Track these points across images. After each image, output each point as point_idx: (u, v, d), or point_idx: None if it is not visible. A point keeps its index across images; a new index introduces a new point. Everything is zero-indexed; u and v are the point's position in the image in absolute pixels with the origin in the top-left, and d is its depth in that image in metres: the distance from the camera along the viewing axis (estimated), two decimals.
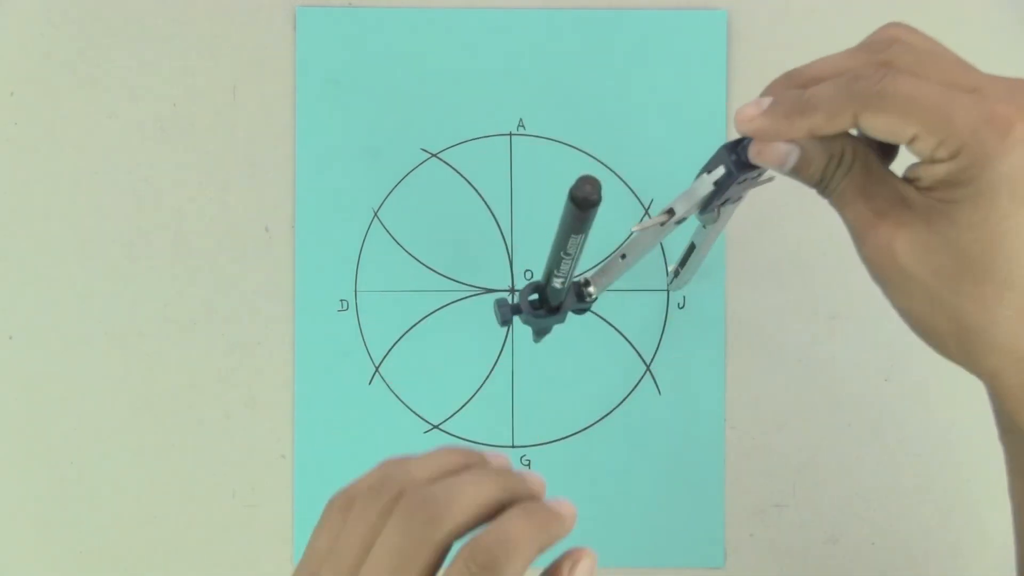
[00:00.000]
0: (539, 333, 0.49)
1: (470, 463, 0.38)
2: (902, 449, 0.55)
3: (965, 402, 0.55)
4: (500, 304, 0.46)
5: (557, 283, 0.44)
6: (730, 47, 0.55)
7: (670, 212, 0.42)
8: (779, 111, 0.37)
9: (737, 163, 0.40)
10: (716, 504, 0.54)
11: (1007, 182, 0.35)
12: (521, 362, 0.55)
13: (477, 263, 0.55)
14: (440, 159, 0.55)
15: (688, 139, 0.55)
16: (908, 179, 0.37)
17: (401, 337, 0.55)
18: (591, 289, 0.46)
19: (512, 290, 0.55)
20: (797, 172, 0.39)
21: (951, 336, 0.37)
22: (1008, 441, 0.41)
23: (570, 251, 0.41)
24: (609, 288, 0.55)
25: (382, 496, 0.37)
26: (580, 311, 0.47)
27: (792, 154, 0.38)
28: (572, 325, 0.54)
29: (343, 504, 0.39)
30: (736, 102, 0.55)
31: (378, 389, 0.55)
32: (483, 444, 0.55)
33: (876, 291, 0.55)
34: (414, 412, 0.55)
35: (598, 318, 0.55)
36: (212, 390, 0.55)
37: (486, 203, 0.55)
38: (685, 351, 0.55)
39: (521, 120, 0.55)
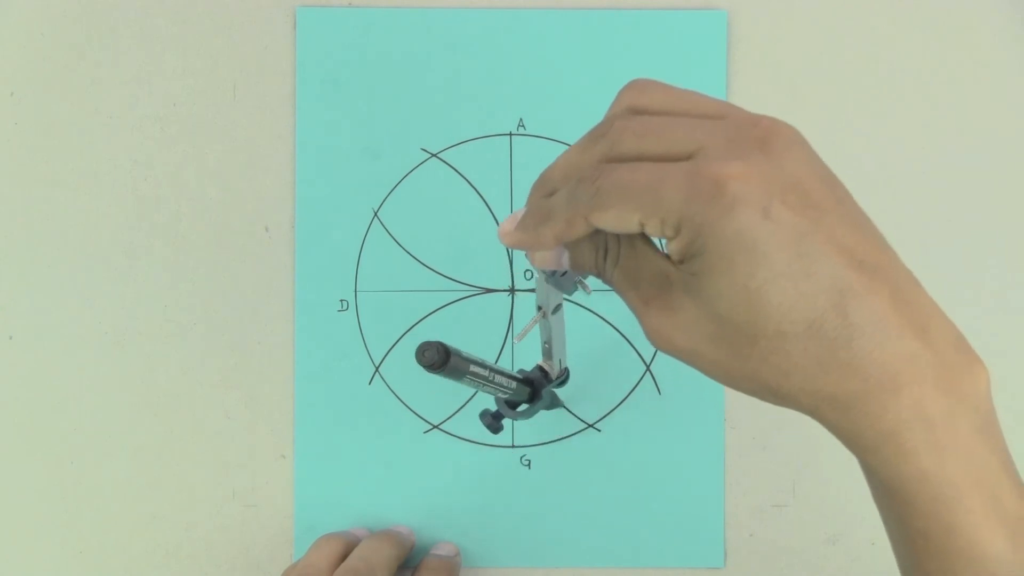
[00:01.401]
0: (545, 408, 0.51)
1: (348, 542, 0.52)
2: None
3: None
4: (482, 416, 0.48)
5: (504, 396, 0.47)
6: (730, 47, 0.55)
7: (539, 308, 0.45)
8: (528, 223, 0.38)
9: None
10: (716, 504, 0.54)
11: (735, 242, 0.34)
12: (521, 362, 0.55)
13: (477, 263, 0.55)
14: (440, 159, 0.55)
15: None
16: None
17: (401, 337, 0.55)
18: (549, 369, 0.49)
19: (512, 290, 0.55)
20: (575, 269, 0.39)
21: (756, 391, 0.37)
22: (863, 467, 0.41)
23: (482, 379, 0.44)
24: (609, 288, 0.56)
25: None
26: (559, 385, 0.50)
27: (563, 255, 0.39)
28: (572, 325, 0.54)
29: None
30: (736, 102, 0.55)
31: (378, 389, 0.55)
32: (483, 444, 0.55)
33: None
34: (414, 412, 0.55)
35: (598, 318, 0.55)
36: (212, 390, 0.55)
37: (486, 203, 0.55)
38: None
39: (521, 120, 0.55)
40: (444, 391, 0.55)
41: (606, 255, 0.38)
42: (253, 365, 0.55)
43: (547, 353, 0.48)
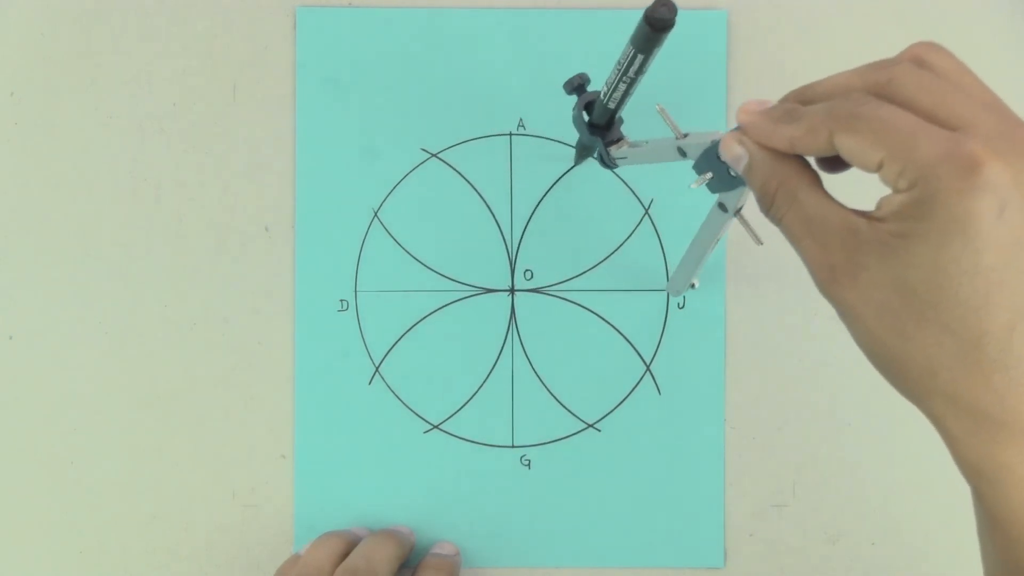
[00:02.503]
0: (578, 153, 0.51)
1: (351, 540, 0.52)
2: (902, 449, 0.55)
3: None
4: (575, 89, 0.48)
5: (610, 104, 0.46)
6: (730, 47, 0.55)
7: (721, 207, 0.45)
8: (771, 115, 0.38)
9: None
10: (716, 504, 0.54)
11: (961, 224, 0.34)
12: (521, 362, 0.55)
13: (477, 263, 0.55)
14: (440, 159, 0.55)
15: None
16: (862, 213, 0.37)
17: (401, 337, 0.55)
18: (621, 146, 0.48)
19: (512, 290, 0.55)
20: (746, 178, 0.40)
21: (895, 375, 0.37)
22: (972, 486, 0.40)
23: (630, 74, 0.43)
24: (609, 288, 0.56)
25: None
26: (607, 147, 0.48)
27: (743, 159, 0.39)
28: (572, 325, 0.55)
29: None
30: (736, 102, 0.55)
31: (378, 389, 0.55)
32: (483, 444, 0.55)
33: None
34: (414, 412, 0.55)
35: (598, 318, 0.55)
36: (212, 390, 0.55)
37: (486, 203, 0.55)
38: (685, 351, 0.55)
39: (521, 120, 0.55)
40: (444, 391, 0.55)
41: (780, 189, 0.38)
42: (253, 365, 0.55)
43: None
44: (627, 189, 0.55)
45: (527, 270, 0.55)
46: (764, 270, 0.55)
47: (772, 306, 0.55)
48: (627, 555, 0.55)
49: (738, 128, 0.39)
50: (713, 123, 0.55)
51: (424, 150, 0.55)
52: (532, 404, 0.55)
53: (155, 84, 0.55)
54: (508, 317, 0.55)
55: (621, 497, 0.54)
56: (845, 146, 0.36)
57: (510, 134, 0.55)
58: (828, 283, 0.37)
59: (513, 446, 0.55)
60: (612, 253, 0.55)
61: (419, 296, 0.55)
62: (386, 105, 0.55)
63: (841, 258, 0.37)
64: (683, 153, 0.44)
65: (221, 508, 0.54)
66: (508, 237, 0.55)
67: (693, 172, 0.46)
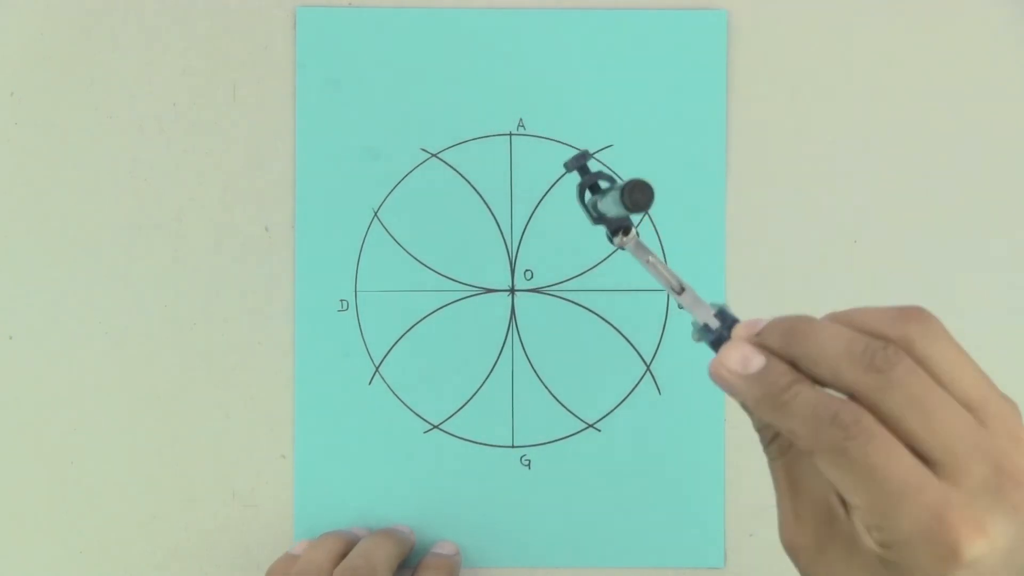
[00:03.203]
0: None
1: (349, 540, 0.52)
2: None
3: None
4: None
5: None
6: (730, 47, 0.55)
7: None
8: (757, 389, 0.35)
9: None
10: (716, 504, 0.54)
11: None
12: (521, 362, 0.55)
13: (477, 263, 0.55)
14: (440, 159, 0.55)
15: (688, 139, 0.55)
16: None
17: (401, 337, 0.55)
18: (626, 242, 0.41)
19: (512, 290, 0.55)
20: (752, 408, 0.37)
21: None
22: None
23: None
24: (609, 288, 0.56)
25: None
26: (611, 234, 0.42)
27: (736, 391, 0.36)
28: (572, 325, 0.54)
29: None
30: (736, 102, 0.55)
31: (378, 389, 0.55)
32: (483, 444, 0.55)
33: (875, 292, 0.56)
34: (414, 412, 0.55)
35: (598, 318, 0.55)
36: (212, 390, 0.55)
37: (486, 203, 0.55)
38: (685, 351, 0.55)
39: (521, 120, 0.55)
40: (444, 391, 0.55)
41: (774, 439, 0.36)
42: (253, 365, 0.55)
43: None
44: None
45: (527, 270, 0.55)
46: (764, 270, 0.55)
47: (772, 306, 0.55)
48: (627, 555, 0.55)
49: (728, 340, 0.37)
50: (713, 122, 0.55)
51: (424, 150, 0.55)
52: (532, 404, 0.55)
53: (155, 84, 0.55)
54: (508, 317, 0.55)
55: (621, 497, 0.54)
56: (825, 471, 0.34)
57: (510, 134, 0.55)
58: (797, 548, 0.36)
59: (513, 446, 0.55)
60: (612, 253, 0.55)
61: (419, 296, 0.55)
62: (386, 105, 0.55)
63: (813, 526, 0.35)
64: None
65: (221, 508, 0.54)
66: (508, 237, 0.55)
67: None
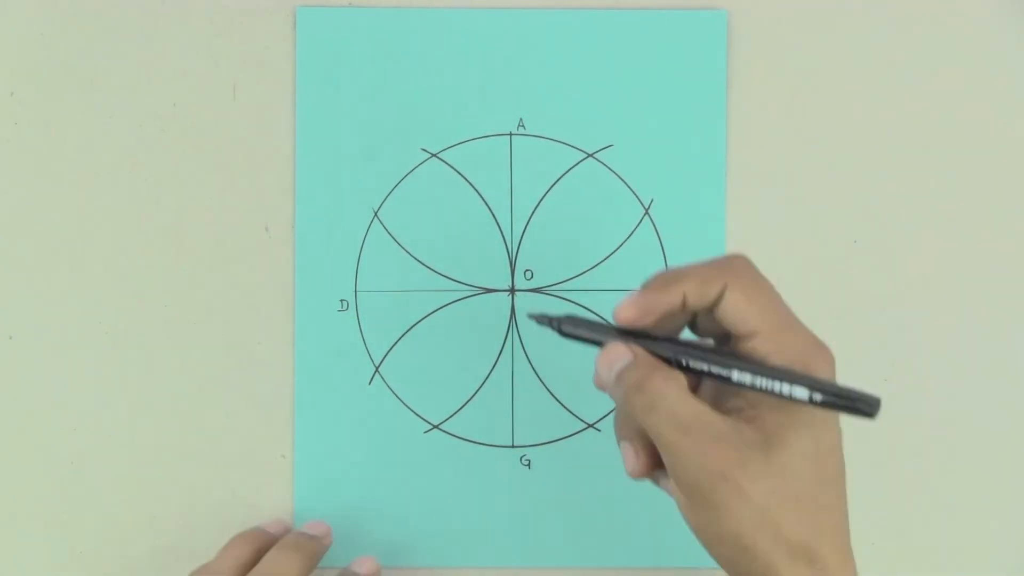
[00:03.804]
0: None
1: (260, 545, 0.51)
2: (902, 449, 0.55)
3: (965, 402, 0.55)
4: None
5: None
6: (730, 47, 0.55)
7: None
8: (654, 284, 0.41)
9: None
10: None
11: (806, 418, 0.39)
12: (521, 362, 0.55)
13: (477, 263, 0.55)
14: (440, 159, 0.55)
15: (688, 139, 0.55)
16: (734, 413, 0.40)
17: (401, 337, 0.55)
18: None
19: (512, 290, 0.55)
20: (616, 387, 0.42)
21: (757, 552, 0.40)
22: None
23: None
24: (609, 288, 0.56)
25: None
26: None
27: (620, 360, 0.42)
28: None
29: None
30: (736, 102, 0.55)
31: (378, 389, 0.55)
32: (483, 444, 0.55)
33: (875, 292, 0.56)
34: (414, 412, 0.55)
35: (598, 318, 0.55)
36: (212, 390, 0.55)
37: (486, 203, 0.55)
38: None
39: (521, 120, 0.55)
40: (444, 391, 0.55)
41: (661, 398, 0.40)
42: (253, 365, 0.55)
43: None
44: (627, 189, 0.55)
45: (527, 270, 0.55)
46: (764, 270, 0.55)
47: None
48: (627, 555, 0.55)
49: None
50: (713, 122, 0.55)
51: (424, 150, 0.55)
52: (532, 404, 0.55)
53: (155, 84, 0.55)
54: (508, 317, 0.55)
55: (621, 497, 0.54)
56: (734, 304, 0.40)
57: (510, 134, 0.55)
58: (719, 475, 0.39)
59: (513, 446, 0.55)
60: (612, 253, 0.55)
61: (419, 296, 0.55)
62: (386, 105, 0.55)
63: (731, 450, 0.39)
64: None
65: (221, 508, 0.54)
66: (508, 237, 0.55)
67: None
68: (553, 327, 0.43)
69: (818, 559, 0.40)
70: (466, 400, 0.55)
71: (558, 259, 0.55)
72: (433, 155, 0.55)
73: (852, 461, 0.55)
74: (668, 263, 0.55)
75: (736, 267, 0.41)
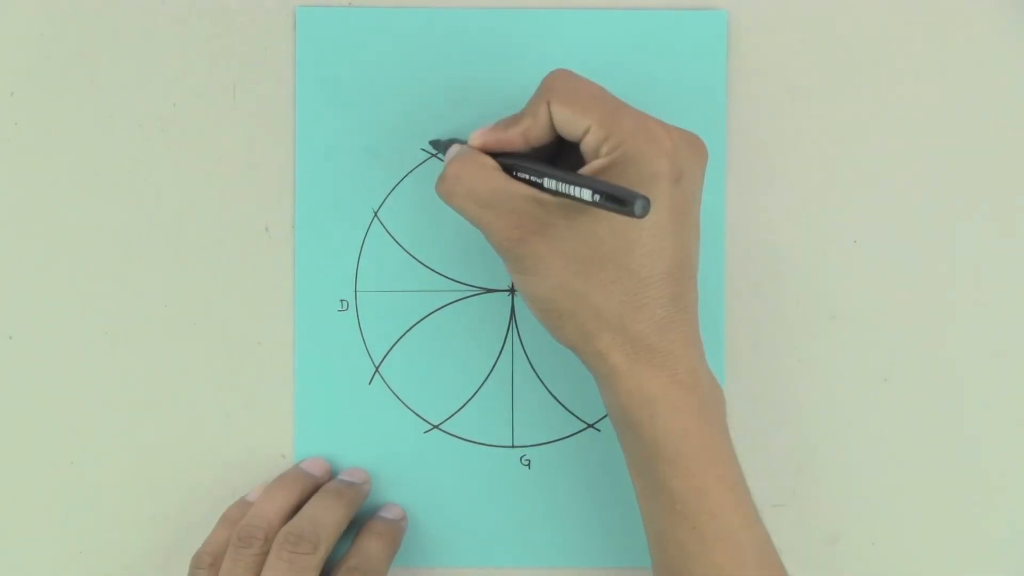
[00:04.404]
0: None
1: (303, 488, 0.52)
2: (902, 449, 0.55)
3: (965, 402, 0.55)
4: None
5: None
6: (730, 47, 0.55)
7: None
8: (497, 124, 0.46)
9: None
10: None
11: (648, 183, 0.42)
12: (521, 362, 0.55)
13: (477, 263, 0.55)
14: (440, 159, 0.55)
15: None
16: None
17: (401, 337, 0.55)
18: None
19: (512, 290, 0.55)
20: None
21: (569, 317, 0.44)
22: (622, 441, 0.47)
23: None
24: None
25: (251, 544, 0.48)
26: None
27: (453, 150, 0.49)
28: None
29: (210, 562, 0.50)
30: (736, 102, 0.55)
31: (378, 389, 0.55)
32: (483, 444, 0.55)
33: (876, 291, 0.56)
34: (414, 412, 0.55)
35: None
36: (212, 390, 0.55)
37: None
38: None
39: None
40: (444, 391, 0.55)
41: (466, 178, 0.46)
42: (253, 365, 0.55)
43: None
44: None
45: None
46: (764, 270, 0.55)
47: (772, 306, 0.55)
48: (627, 555, 0.55)
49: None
50: (713, 122, 0.55)
51: (424, 150, 0.55)
52: (532, 404, 0.55)
53: (155, 84, 0.55)
54: (508, 317, 0.55)
55: (621, 497, 0.54)
56: (559, 114, 0.44)
57: None
58: (519, 241, 0.44)
59: (513, 446, 0.55)
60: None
61: (419, 296, 0.55)
62: (386, 105, 0.55)
63: (528, 219, 0.43)
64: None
65: (221, 508, 0.54)
66: None
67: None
68: (441, 151, 0.51)
69: (627, 328, 0.43)
70: (466, 400, 0.55)
71: None
72: (433, 155, 0.55)
73: (852, 461, 0.55)
74: None
75: (552, 83, 0.45)
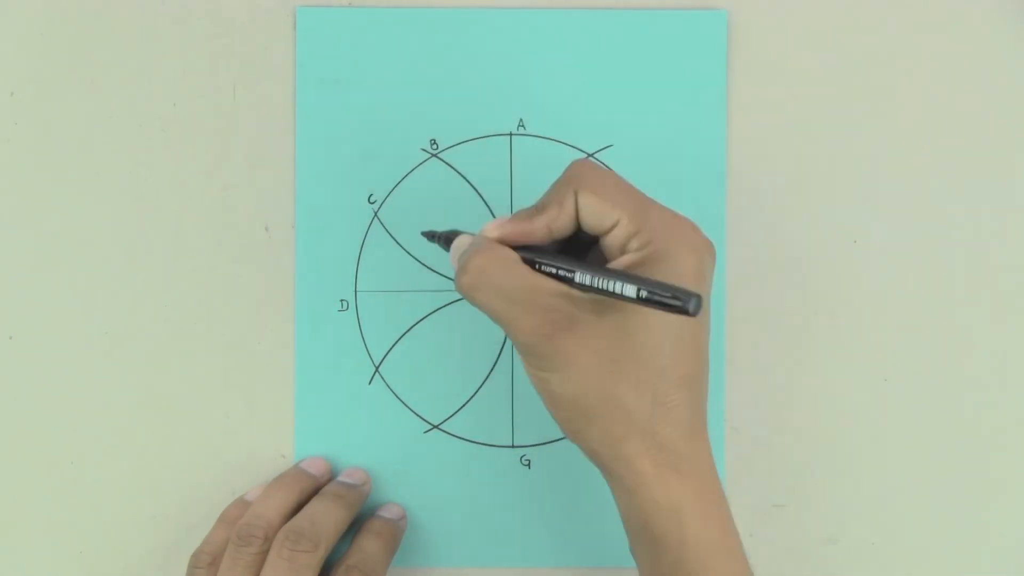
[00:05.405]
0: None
1: (303, 488, 0.51)
2: (902, 449, 0.55)
3: (965, 402, 0.55)
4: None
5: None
6: (730, 47, 0.55)
7: None
8: (518, 217, 0.43)
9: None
10: None
11: (676, 281, 0.39)
12: (521, 362, 0.55)
13: None
14: (440, 159, 0.55)
15: (688, 139, 0.55)
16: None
17: (401, 337, 0.55)
18: None
19: None
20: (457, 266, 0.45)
21: (599, 419, 0.42)
22: (638, 551, 0.45)
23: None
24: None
25: (250, 543, 0.48)
26: None
27: (462, 247, 0.45)
28: None
29: (209, 561, 0.49)
30: (736, 102, 0.55)
31: (378, 389, 0.55)
32: (483, 444, 0.55)
33: (875, 291, 0.56)
34: (414, 412, 0.55)
35: None
36: (212, 390, 0.55)
37: (486, 203, 0.55)
38: None
39: (521, 120, 0.55)
40: (444, 391, 0.55)
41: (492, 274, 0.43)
42: (253, 365, 0.55)
43: None
44: None
45: None
46: (764, 270, 0.55)
47: (772, 306, 0.55)
48: (627, 555, 0.55)
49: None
50: (713, 122, 0.55)
51: (424, 150, 0.55)
52: (532, 404, 0.55)
53: (155, 84, 0.55)
54: None
55: None
56: (587, 206, 0.42)
57: (510, 134, 0.55)
58: (548, 337, 0.41)
59: (513, 446, 0.55)
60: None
61: (419, 296, 0.55)
62: (386, 105, 0.55)
63: (558, 316, 0.41)
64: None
65: (221, 508, 0.54)
66: None
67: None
68: (439, 242, 0.48)
69: (656, 433, 0.41)
70: (466, 400, 0.55)
71: None
72: (433, 155, 0.55)
73: (852, 461, 0.55)
74: None
75: (579, 172, 0.43)
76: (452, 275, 0.55)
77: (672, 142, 0.55)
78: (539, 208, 0.43)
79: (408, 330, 0.55)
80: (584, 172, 0.43)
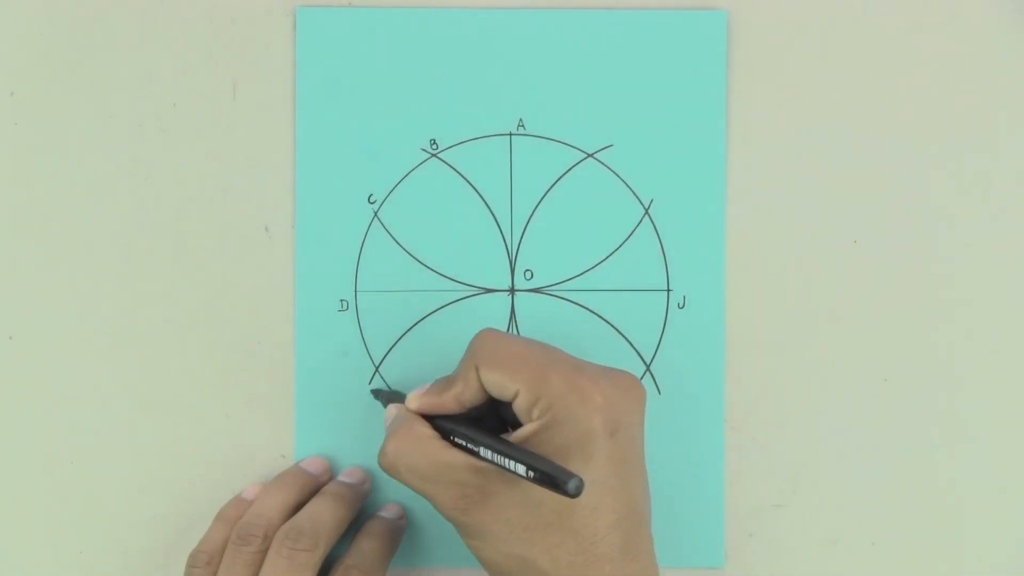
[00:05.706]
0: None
1: (303, 487, 0.52)
2: (902, 449, 0.55)
3: (965, 402, 0.55)
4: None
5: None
6: (730, 47, 0.55)
7: None
8: (432, 390, 0.47)
9: None
10: (716, 504, 0.54)
11: (581, 442, 0.42)
12: None
13: (477, 263, 0.55)
14: (440, 159, 0.55)
15: (688, 139, 0.55)
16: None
17: (401, 337, 0.55)
18: None
19: (512, 290, 0.55)
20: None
21: None
22: None
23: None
24: (609, 288, 0.56)
25: (250, 542, 0.48)
26: None
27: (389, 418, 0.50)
28: (572, 325, 0.55)
29: (206, 561, 0.49)
30: (736, 102, 0.55)
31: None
32: None
33: (875, 291, 0.56)
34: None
35: (598, 318, 0.55)
36: (212, 390, 0.55)
37: (486, 203, 0.55)
38: (685, 351, 0.55)
39: (521, 120, 0.55)
40: None
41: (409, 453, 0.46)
42: (253, 365, 0.55)
43: None
44: (627, 189, 0.55)
45: (527, 270, 0.55)
46: (764, 270, 0.55)
47: (772, 306, 0.55)
48: None
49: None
50: (713, 122, 0.55)
51: (424, 150, 0.55)
52: None
53: (155, 84, 0.55)
54: (508, 317, 0.55)
55: None
56: (488, 379, 0.44)
57: (510, 134, 0.55)
58: (463, 511, 0.44)
59: None
60: (612, 253, 0.55)
61: (419, 296, 0.55)
62: (386, 105, 0.55)
63: (471, 490, 0.44)
64: None
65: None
66: (508, 237, 0.55)
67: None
68: (381, 400, 0.52)
69: None
70: None
71: (558, 259, 0.55)
72: (433, 155, 0.55)
73: (852, 461, 0.55)
74: (668, 263, 0.55)
75: (480, 347, 0.45)
76: (453, 275, 0.55)
77: (672, 142, 0.55)
78: (450, 380, 0.46)
79: (408, 330, 0.55)
80: (484, 345, 0.45)
